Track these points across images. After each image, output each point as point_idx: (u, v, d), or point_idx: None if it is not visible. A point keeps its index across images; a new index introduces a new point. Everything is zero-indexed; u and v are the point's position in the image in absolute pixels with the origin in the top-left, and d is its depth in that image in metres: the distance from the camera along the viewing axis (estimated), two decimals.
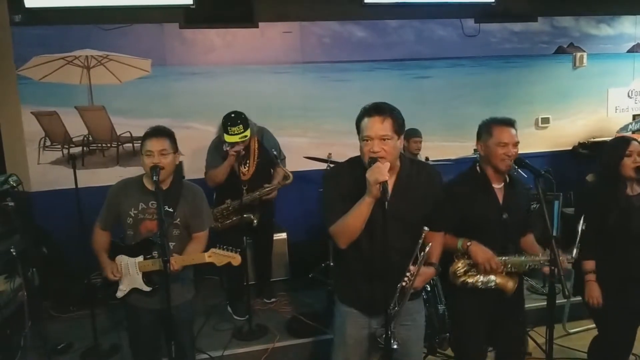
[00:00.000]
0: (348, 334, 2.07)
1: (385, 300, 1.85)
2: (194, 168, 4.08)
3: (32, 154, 4.25)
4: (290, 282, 4.28)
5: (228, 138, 3.39)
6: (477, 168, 2.36)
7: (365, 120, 1.90)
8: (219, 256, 2.36)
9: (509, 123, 2.28)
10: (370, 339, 2.06)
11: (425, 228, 1.91)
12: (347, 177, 1.96)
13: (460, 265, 2.29)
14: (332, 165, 2.11)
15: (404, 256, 1.91)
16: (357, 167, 1.95)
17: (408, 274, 1.92)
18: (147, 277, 2.38)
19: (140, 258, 2.37)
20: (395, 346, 1.89)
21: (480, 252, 2.24)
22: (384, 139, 1.86)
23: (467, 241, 2.25)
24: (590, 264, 2.51)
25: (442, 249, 2.18)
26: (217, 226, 3.48)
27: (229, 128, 3.38)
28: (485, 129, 2.30)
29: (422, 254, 1.93)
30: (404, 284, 1.91)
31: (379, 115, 1.88)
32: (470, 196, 2.29)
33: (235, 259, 2.38)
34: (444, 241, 2.19)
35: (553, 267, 2.13)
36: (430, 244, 1.95)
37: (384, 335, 1.88)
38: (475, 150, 4.23)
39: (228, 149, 3.44)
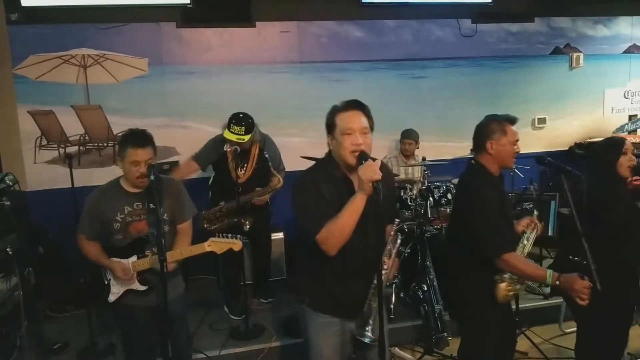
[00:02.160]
0: (326, 343, 2.03)
1: (377, 297, 1.84)
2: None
3: (28, 153, 4.24)
4: (287, 282, 4.28)
5: (226, 134, 3.43)
6: (482, 167, 2.28)
7: (345, 114, 1.90)
8: (219, 244, 2.35)
9: (516, 121, 2.29)
10: (347, 343, 2.05)
11: (397, 220, 1.96)
12: (326, 181, 1.91)
13: (505, 286, 2.19)
14: (301, 174, 2.05)
15: (378, 252, 1.92)
16: (332, 168, 1.94)
17: (385, 267, 1.92)
18: (140, 276, 2.38)
19: (134, 258, 2.37)
20: (369, 341, 1.89)
21: (575, 282, 2.04)
22: (365, 133, 1.88)
23: (556, 275, 2.08)
24: None
25: (521, 275, 2.13)
26: (209, 228, 3.47)
27: (232, 125, 3.42)
28: (499, 128, 2.23)
29: (395, 246, 1.95)
30: (382, 277, 1.90)
31: (359, 109, 1.91)
32: (498, 199, 2.21)
33: (236, 245, 2.36)
34: (520, 267, 2.11)
35: (584, 261, 2.08)
36: (397, 236, 2.00)
37: (367, 331, 1.87)
38: (472, 150, 4.29)
39: (228, 150, 3.44)
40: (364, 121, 1.89)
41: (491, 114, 2.35)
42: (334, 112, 1.93)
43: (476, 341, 2.35)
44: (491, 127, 2.26)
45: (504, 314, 2.28)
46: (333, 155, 1.96)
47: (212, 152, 3.60)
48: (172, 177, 2.56)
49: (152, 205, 2.28)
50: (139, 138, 2.29)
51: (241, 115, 3.46)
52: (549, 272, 2.09)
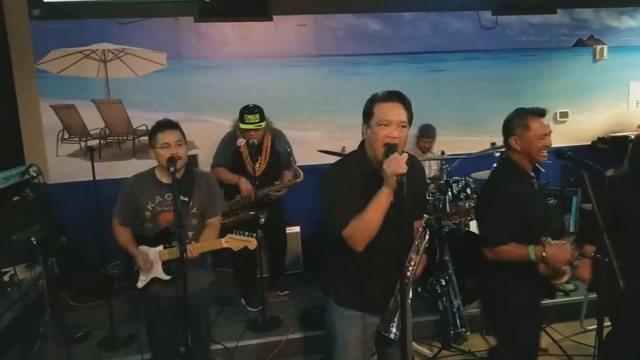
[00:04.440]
0: (351, 337, 2.02)
1: (401, 293, 1.83)
2: (208, 161, 4.09)
3: (51, 147, 4.33)
4: (304, 275, 4.29)
5: (243, 126, 3.46)
6: (511, 162, 2.23)
7: (384, 104, 1.83)
8: (236, 241, 2.42)
9: (543, 113, 2.21)
10: (371, 337, 2.04)
11: (425, 215, 1.94)
12: (354, 175, 1.86)
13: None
14: (329, 167, 2.03)
15: (407, 248, 1.90)
16: (361, 162, 1.89)
17: (412, 262, 1.90)
18: (166, 265, 2.43)
19: (160, 247, 2.43)
20: (394, 337, 1.89)
21: (559, 255, 2.07)
22: (402, 126, 1.82)
23: (541, 249, 2.08)
24: (590, 248, 2.43)
25: (511, 260, 2.11)
26: (224, 221, 3.49)
27: (245, 116, 3.46)
28: (521, 122, 2.18)
29: (423, 242, 1.93)
30: (408, 273, 1.90)
31: (400, 102, 1.85)
32: (527, 194, 2.17)
33: (252, 243, 2.44)
34: (510, 252, 2.10)
35: (606, 259, 2.03)
36: (425, 232, 1.97)
37: (392, 327, 1.87)
38: (492, 144, 4.22)
39: (241, 144, 3.45)
40: (402, 114, 1.83)
41: (518, 107, 2.27)
42: (373, 100, 1.87)
43: (510, 339, 2.33)
44: (513, 123, 2.20)
45: (534, 311, 2.27)
46: (365, 147, 1.91)
47: (227, 151, 3.63)
48: (207, 172, 2.60)
49: (171, 196, 2.34)
50: (166, 123, 2.42)
51: (250, 105, 3.50)
52: (531, 247, 2.08)
